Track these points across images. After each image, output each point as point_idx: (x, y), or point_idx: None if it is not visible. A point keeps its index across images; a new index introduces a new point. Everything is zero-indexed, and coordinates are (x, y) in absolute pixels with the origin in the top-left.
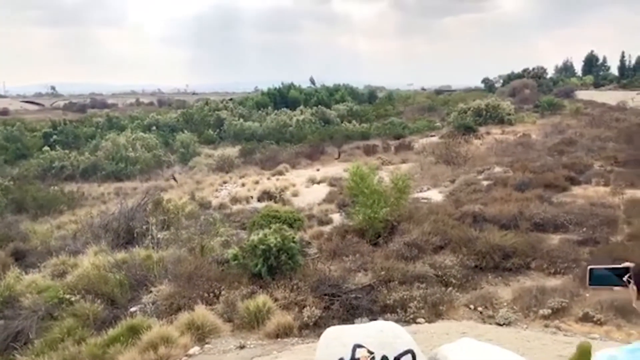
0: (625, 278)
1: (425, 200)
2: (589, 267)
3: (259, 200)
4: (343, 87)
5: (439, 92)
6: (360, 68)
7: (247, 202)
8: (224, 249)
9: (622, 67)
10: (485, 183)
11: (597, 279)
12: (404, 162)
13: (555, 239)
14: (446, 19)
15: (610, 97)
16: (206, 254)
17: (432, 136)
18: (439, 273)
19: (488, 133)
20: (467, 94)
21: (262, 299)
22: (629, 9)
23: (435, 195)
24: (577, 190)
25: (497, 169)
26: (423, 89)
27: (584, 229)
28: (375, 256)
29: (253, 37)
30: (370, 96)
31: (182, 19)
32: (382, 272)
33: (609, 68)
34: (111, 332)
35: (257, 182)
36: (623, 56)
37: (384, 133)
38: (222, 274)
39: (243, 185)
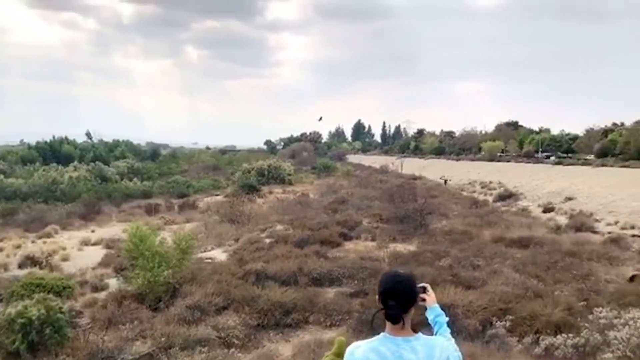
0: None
1: (210, 260)
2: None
3: (20, 266)
4: (123, 143)
5: (224, 151)
6: (142, 124)
7: (6, 269)
8: None
9: (384, 134)
10: (267, 241)
11: None
12: (188, 221)
13: (331, 292)
14: (229, 81)
15: (375, 160)
16: None
17: (217, 195)
18: (222, 334)
19: (270, 192)
20: (251, 154)
21: None
22: (388, 85)
23: (219, 255)
24: (349, 245)
25: (279, 227)
26: (208, 148)
27: (356, 282)
28: (155, 322)
29: (18, 85)
30: (153, 153)
31: None
32: (163, 339)
33: (373, 135)
34: None
35: (18, 247)
36: (384, 126)
37: (167, 191)
38: None
39: (1, 250)
